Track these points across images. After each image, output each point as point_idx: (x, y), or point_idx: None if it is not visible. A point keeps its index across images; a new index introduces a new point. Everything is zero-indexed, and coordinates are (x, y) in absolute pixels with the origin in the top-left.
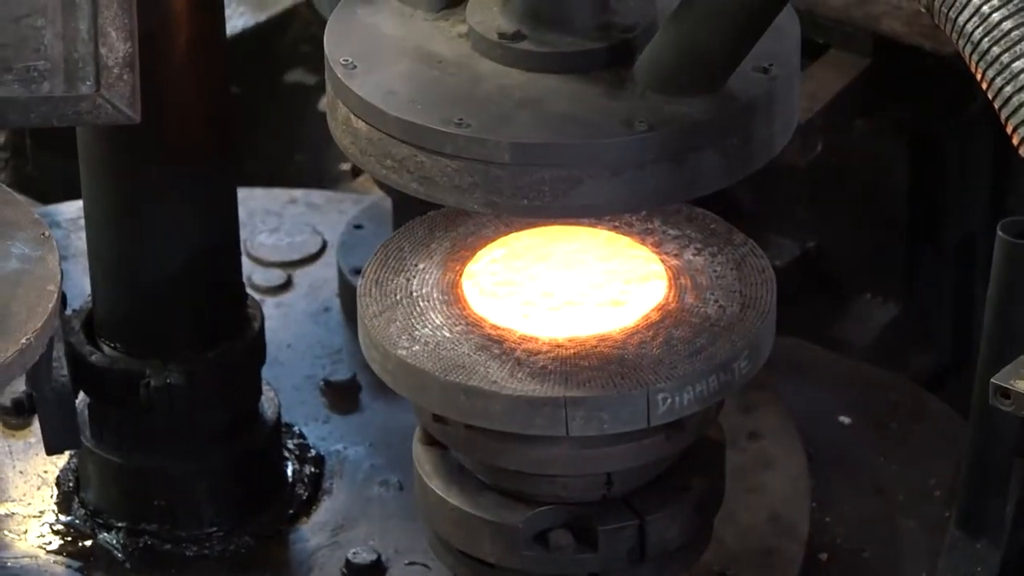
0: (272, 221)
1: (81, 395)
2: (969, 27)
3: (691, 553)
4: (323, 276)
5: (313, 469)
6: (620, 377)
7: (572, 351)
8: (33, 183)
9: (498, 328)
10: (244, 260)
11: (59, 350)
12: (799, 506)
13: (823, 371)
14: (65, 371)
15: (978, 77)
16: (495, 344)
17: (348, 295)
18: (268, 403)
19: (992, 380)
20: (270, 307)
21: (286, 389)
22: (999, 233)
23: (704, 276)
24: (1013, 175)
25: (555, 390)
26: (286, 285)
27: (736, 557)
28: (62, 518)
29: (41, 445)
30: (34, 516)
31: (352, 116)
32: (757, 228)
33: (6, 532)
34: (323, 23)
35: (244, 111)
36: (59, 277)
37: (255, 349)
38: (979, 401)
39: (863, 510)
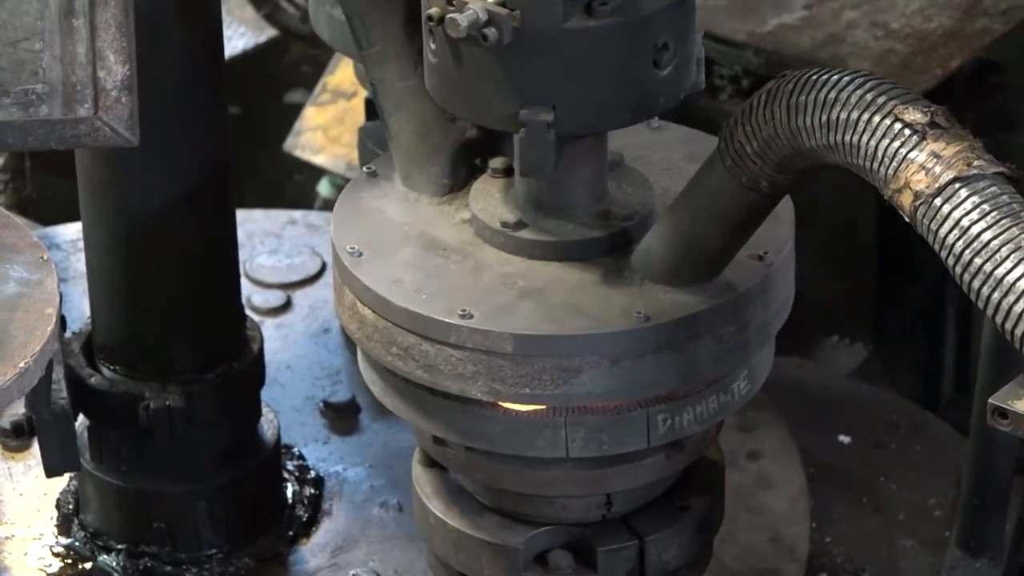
0: (271, 242)
1: (81, 417)
2: (950, 239)
3: (691, 573)
4: (323, 297)
5: (313, 490)
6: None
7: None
8: (33, 205)
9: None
10: (243, 281)
11: (58, 373)
12: (799, 526)
13: (822, 391)
14: (64, 394)
15: (963, 287)
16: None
17: None
18: (267, 424)
19: (990, 400)
20: (269, 328)
21: (286, 410)
22: None
23: None
24: None
25: (553, 410)
26: (285, 306)
27: None
28: (62, 540)
29: (41, 467)
30: (34, 538)
31: (359, 303)
32: None
33: (6, 554)
34: (322, 44)
35: (243, 132)
36: (58, 300)
37: (254, 371)
38: (978, 420)
39: (863, 530)
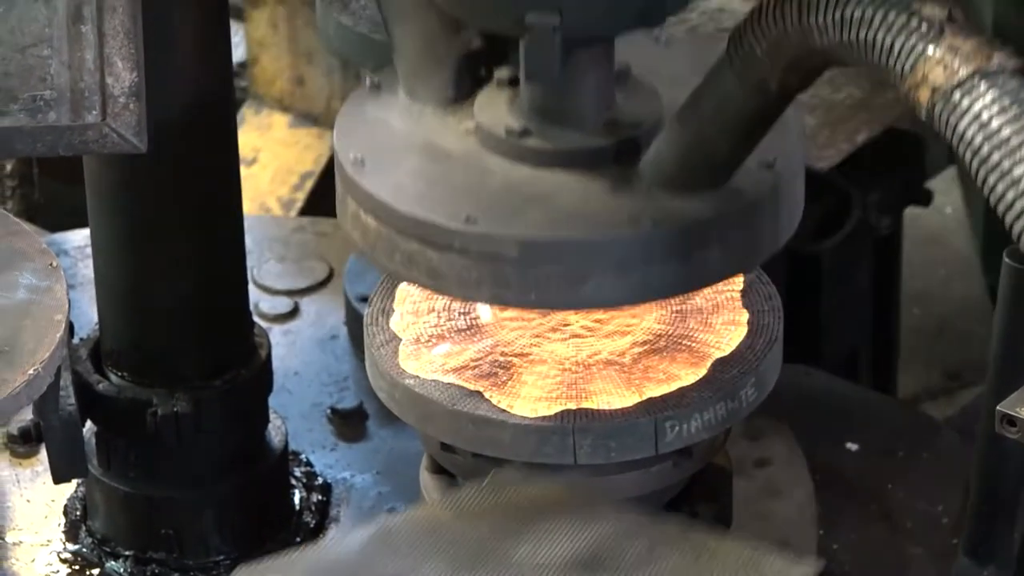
0: (279, 249)
1: (88, 424)
2: (970, 134)
3: None
4: (330, 304)
5: (320, 497)
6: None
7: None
8: (41, 211)
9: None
10: (251, 288)
11: (66, 379)
12: (806, 533)
13: (830, 398)
14: (72, 400)
15: (980, 184)
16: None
17: (355, 323)
18: (275, 431)
19: (998, 408)
20: (277, 335)
21: (293, 417)
22: (1006, 260)
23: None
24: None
25: (562, 418)
26: (293, 313)
27: None
28: (69, 547)
29: (48, 474)
30: (42, 544)
31: (361, 212)
32: None
33: (14, 560)
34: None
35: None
36: (67, 307)
37: (262, 377)
38: (986, 428)
39: (870, 537)
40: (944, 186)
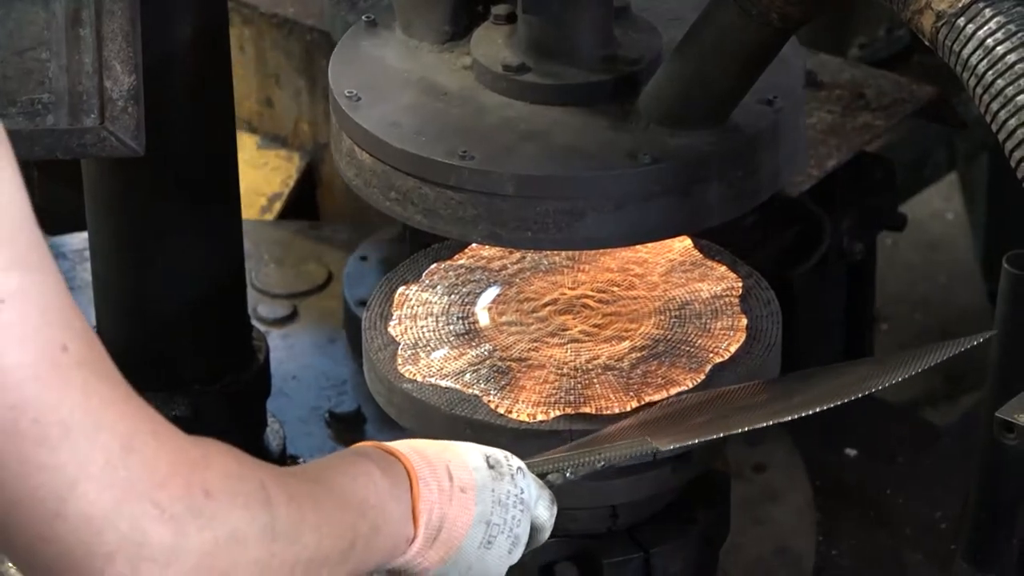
0: (277, 252)
1: None
2: (973, 60)
3: None
4: (328, 307)
5: None
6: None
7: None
8: (40, 214)
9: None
10: (249, 292)
11: None
12: (805, 538)
13: None
14: None
15: (982, 110)
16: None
17: (353, 327)
18: (273, 435)
19: (996, 414)
20: (275, 339)
21: (291, 421)
22: (1005, 266)
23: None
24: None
25: (560, 423)
26: (291, 317)
27: None
28: None
29: None
30: None
31: (356, 148)
32: None
33: (9, 565)
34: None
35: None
36: None
37: (260, 381)
38: (986, 434)
39: (870, 543)
40: (945, 192)
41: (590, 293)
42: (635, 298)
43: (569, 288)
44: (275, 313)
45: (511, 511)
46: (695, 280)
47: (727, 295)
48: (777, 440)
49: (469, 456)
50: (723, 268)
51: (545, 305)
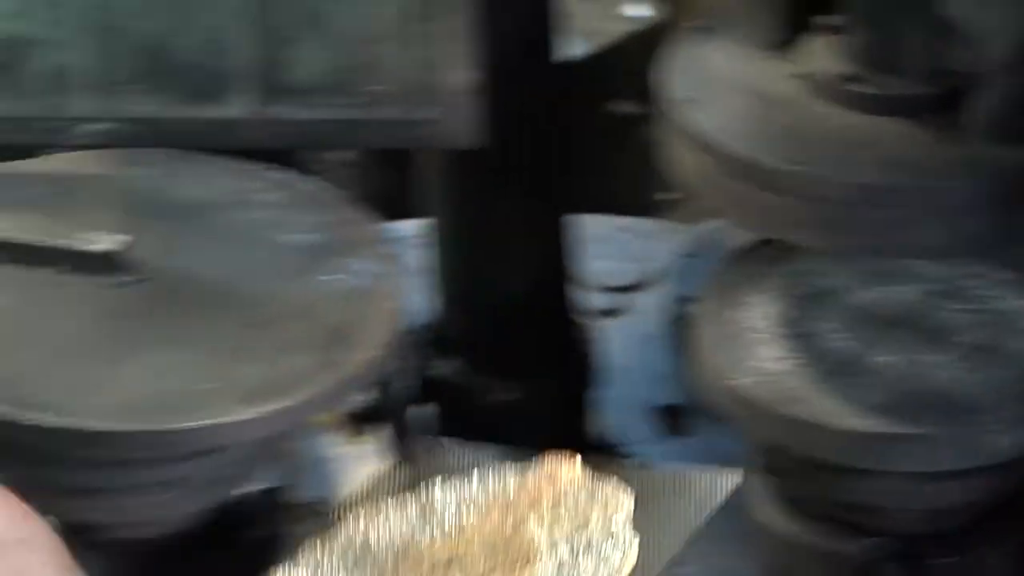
0: (601, 248)
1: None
2: None
3: None
4: (653, 303)
5: None
6: (955, 415)
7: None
8: (375, 201)
9: (839, 363)
10: (577, 284)
11: (401, 363)
12: None
13: None
14: (406, 384)
15: None
16: (834, 378)
17: (679, 323)
18: (599, 425)
19: None
20: (599, 333)
21: (618, 411)
22: None
23: None
24: None
25: (891, 425)
26: (615, 311)
27: None
28: None
29: (375, 455)
30: None
31: (691, 151)
32: None
33: None
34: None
35: (566, 139)
36: (401, 294)
37: (587, 371)
38: None
39: None
40: None
41: None
42: None
43: None
44: (599, 306)
45: None
46: None
47: None
48: None
49: None
50: None
51: None
